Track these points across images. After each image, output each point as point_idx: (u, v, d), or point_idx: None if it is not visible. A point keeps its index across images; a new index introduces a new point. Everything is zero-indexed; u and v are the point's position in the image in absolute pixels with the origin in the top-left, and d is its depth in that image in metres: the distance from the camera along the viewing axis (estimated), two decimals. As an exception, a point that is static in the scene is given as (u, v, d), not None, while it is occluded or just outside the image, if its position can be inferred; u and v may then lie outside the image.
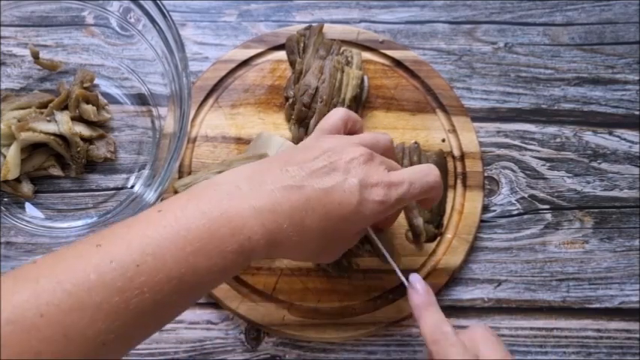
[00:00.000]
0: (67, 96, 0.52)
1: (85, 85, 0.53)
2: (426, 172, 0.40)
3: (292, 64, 0.57)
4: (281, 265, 0.50)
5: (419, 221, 0.51)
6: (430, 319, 0.37)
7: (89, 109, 0.52)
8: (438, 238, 0.52)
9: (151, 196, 0.43)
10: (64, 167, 0.53)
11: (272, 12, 0.61)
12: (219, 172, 0.50)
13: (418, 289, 0.39)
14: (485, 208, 0.54)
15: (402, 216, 0.52)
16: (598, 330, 0.51)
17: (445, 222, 0.52)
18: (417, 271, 0.50)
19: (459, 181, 0.54)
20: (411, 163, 0.52)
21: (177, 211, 0.32)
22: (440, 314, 0.38)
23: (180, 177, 0.53)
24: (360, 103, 0.55)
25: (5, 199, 0.51)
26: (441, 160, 0.53)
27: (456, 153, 0.55)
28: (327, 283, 0.50)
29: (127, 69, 0.56)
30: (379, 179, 0.37)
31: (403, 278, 0.42)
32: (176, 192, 0.51)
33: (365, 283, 0.50)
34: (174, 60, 0.47)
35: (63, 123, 0.50)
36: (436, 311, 0.38)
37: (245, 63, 0.57)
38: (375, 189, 0.37)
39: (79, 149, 0.51)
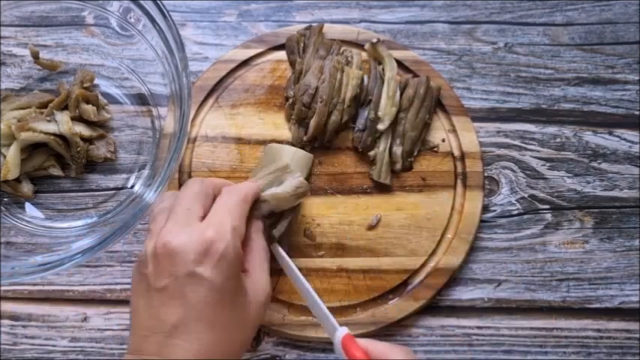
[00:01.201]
0: (67, 96, 0.52)
1: (85, 85, 0.53)
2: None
3: (292, 64, 0.57)
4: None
5: (398, 150, 0.52)
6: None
7: (89, 109, 0.52)
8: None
9: (150, 196, 0.43)
10: (64, 167, 0.53)
11: (272, 12, 0.61)
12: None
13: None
14: (485, 208, 0.54)
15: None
16: (598, 330, 0.51)
17: (446, 222, 0.52)
18: (417, 271, 0.50)
19: (459, 181, 0.54)
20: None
21: None
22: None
23: (180, 177, 0.53)
24: (360, 103, 0.55)
25: (5, 199, 0.51)
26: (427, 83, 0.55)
27: (456, 153, 0.55)
28: (327, 283, 0.50)
29: (127, 69, 0.56)
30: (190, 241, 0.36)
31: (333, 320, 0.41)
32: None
33: (365, 283, 0.50)
34: (174, 60, 0.47)
35: (63, 123, 0.50)
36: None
37: (245, 63, 0.57)
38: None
39: (79, 149, 0.51)
